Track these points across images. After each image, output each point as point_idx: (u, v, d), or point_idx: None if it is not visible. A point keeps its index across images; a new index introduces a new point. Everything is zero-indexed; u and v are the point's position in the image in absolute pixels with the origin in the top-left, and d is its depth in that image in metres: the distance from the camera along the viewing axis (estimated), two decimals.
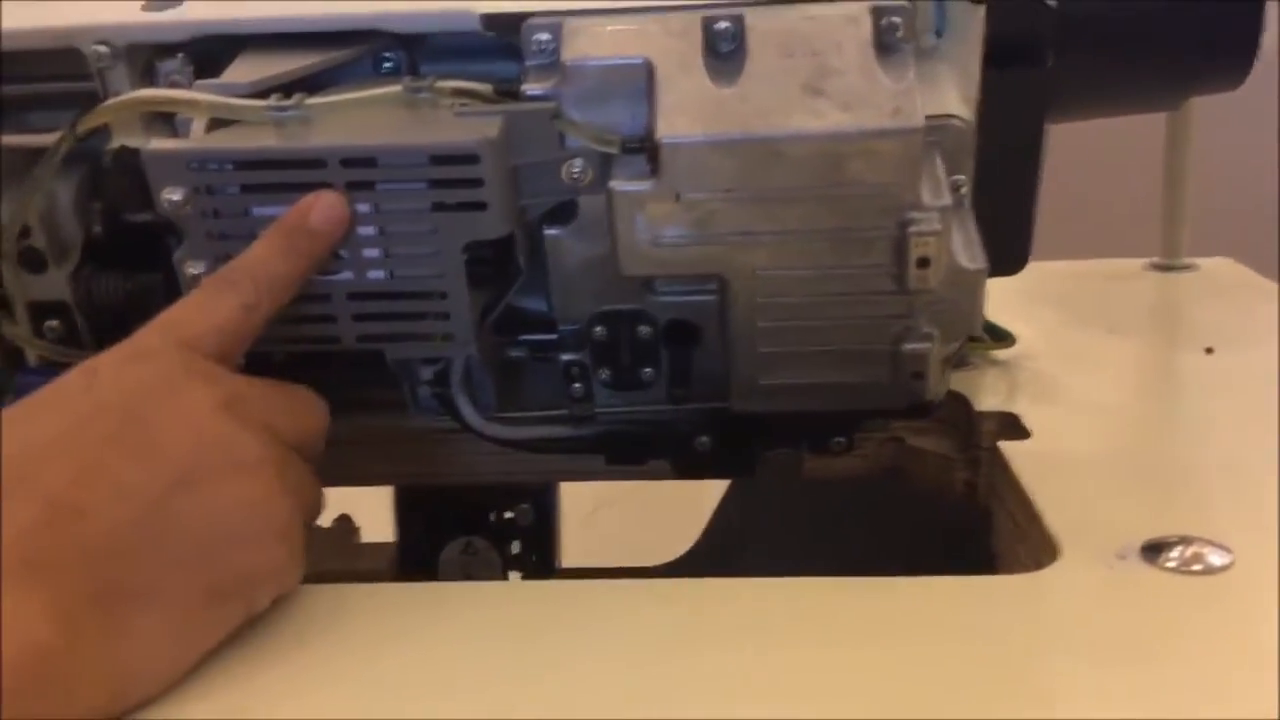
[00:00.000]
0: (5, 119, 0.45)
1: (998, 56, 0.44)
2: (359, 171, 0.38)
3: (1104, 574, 0.36)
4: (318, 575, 0.38)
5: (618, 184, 0.38)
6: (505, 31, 0.40)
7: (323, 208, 0.37)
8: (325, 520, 0.62)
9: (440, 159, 0.37)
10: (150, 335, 0.36)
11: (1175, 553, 0.36)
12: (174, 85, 0.41)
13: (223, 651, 0.33)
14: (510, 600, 0.38)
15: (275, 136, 0.39)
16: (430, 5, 0.40)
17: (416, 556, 0.56)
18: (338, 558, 0.59)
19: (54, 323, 0.46)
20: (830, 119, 0.36)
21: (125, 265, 0.45)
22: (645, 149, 0.38)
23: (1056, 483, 0.41)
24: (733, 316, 0.40)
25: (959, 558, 0.47)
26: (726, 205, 0.38)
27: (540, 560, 0.56)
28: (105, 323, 0.46)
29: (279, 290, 0.38)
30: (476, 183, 0.38)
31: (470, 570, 0.56)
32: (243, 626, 0.34)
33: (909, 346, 0.40)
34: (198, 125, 0.39)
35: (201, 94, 0.39)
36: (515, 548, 0.57)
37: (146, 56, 0.42)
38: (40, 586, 0.29)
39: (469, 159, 0.37)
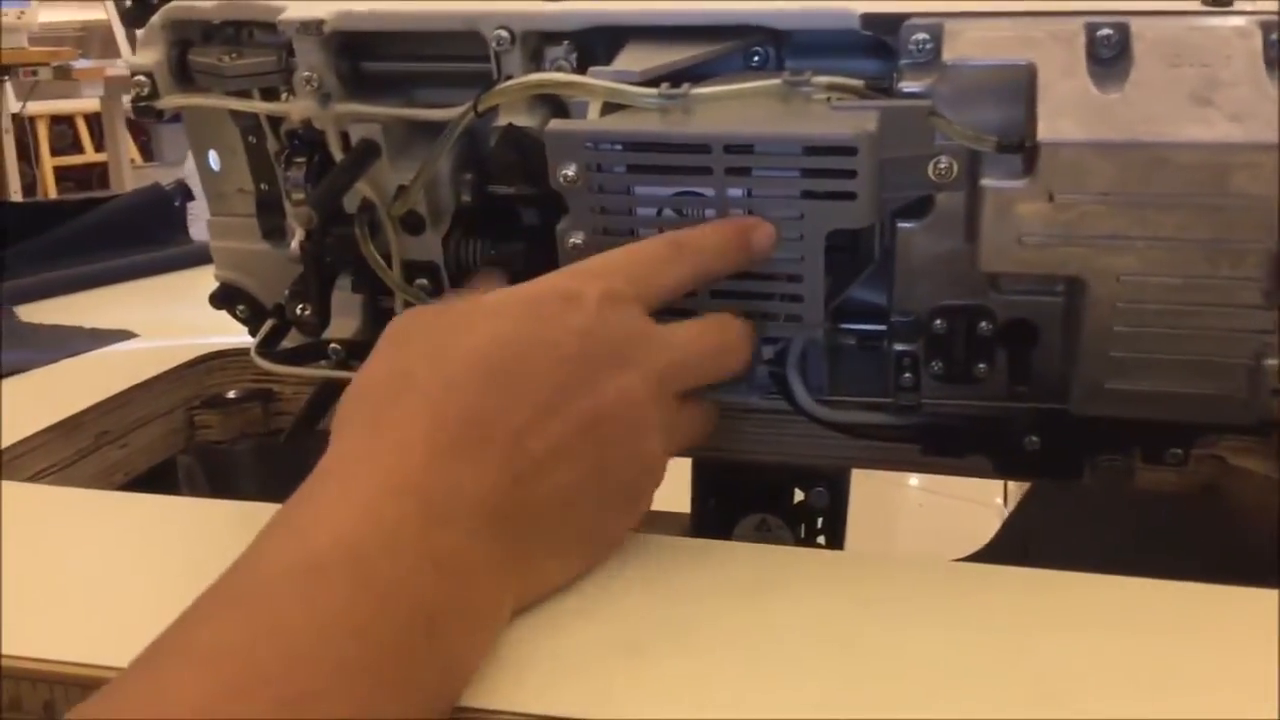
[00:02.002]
0: (389, 93, 0.49)
1: None
2: (738, 158, 0.40)
3: None
4: None
5: (990, 181, 0.39)
6: (882, 31, 0.42)
7: (763, 236, 0.40)
8: None
9: (818, 149, 0.39)
10: (618, 280, 0.38)
11: None
12: (559, 70, 0.45)
13: None
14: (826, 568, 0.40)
15: (660, 122, 0.41)
16: (811, 4, 0.42)
17: (709, 529, 0.59)
18: None
19: (424, 281, 0.50)
20: (1219, 129, 0.37)
21: (488, 234, 0.49)
22: (1022, 149, 0.39)
23: None
24: (1086, 319, 0.41)
25: (1274, 583, 0.46)
26: (1100, 208, 0.38)
27: (831, 543, 0.58)
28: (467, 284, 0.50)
29: (705, 281, 0.41)
30: (850, 174, 0.40)
31: None
32: None
33: (1270, 363, 0.40)
34: (593, 108, 0.42)
35: (598, 80, 0.42)
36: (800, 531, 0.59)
37: (536, 43, 0.45)
38: (501, 532, 0.34)
39: (847, 151, 0.39)
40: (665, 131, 0.41)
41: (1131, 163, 0.37)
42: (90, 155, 4.65)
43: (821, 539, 0.58)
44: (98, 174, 4.54)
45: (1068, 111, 0.38)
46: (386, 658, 0.28)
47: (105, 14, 4.41)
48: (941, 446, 0.47)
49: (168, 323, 0.68)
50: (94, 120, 4.41)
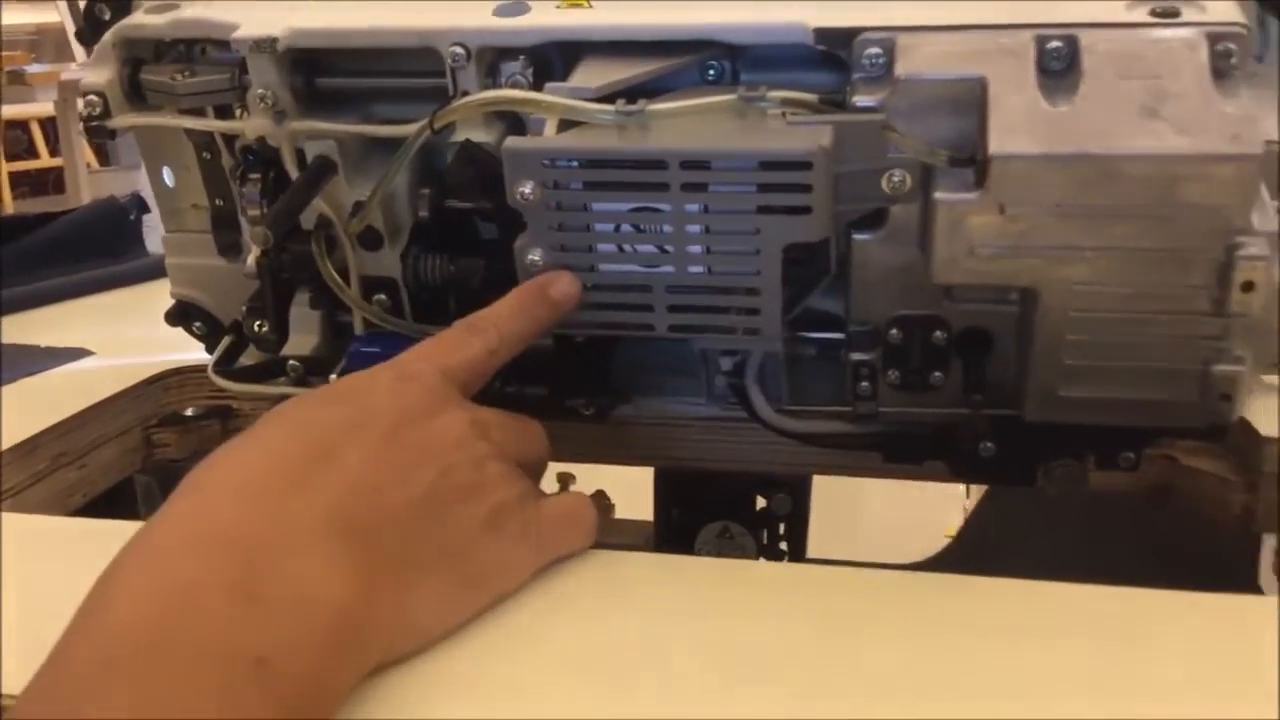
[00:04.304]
0: (344, 109, 0.49)
1: None
2: (695, 174, 0.40)
3: None
4: None
5: (942, 194, 0.40)
6: (835, 45, 0.42)
7: (562, 285, 0.42)
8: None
9: (773, 165, 0.40)
10: (416, 361, 0.41)
11: None
12: (515, 86, 0.45)
13: None
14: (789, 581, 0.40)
15: (617, 139, 0.41)
16: (765, 18, 0.43)
17: (672, 537, 0.59)
18: None
19: (382, 296, 0.50)
20: (1168, 141, 0.37)
21: (446, 249, 0.49)
22: (973, 162, 0.39)
23: None
24: (1039, 328, 0.41)
25: (1225, 580, 0.47)
26: (1051, 220, 0.39)
27: (793, 548, 0.58)
28: (426, 299, 0.50)
29: (514, 343, 0.42)
30: (805, 188, 0.40)
31: (724, 554, 0.58)
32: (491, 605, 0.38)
33: (1220, 368, 0.40)
34: (549, 125, 0.42)
35: (555, 96, 0.42)
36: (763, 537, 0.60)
37: (492, 59, 0.45)
38: (350, 549, 0.33)
39: (802, 166, 0.39)
40: (622, 148, 0.41)
41: (1082, 175, 0.38)
42: (46, 160, 4.58)
43: (784, 544, 0.59)
44: (53, 179, 4.48)
45: (1018, 125, 0.38)
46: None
47: (59, 16, 4.35)
48: (900, 454, 0.48)
49: (124, 339, 0.67)
50: (49, 125, 4.34)
